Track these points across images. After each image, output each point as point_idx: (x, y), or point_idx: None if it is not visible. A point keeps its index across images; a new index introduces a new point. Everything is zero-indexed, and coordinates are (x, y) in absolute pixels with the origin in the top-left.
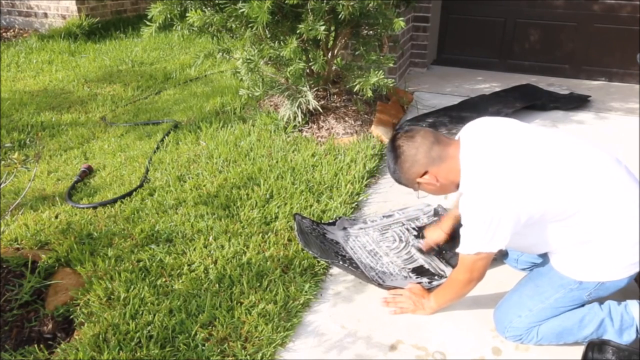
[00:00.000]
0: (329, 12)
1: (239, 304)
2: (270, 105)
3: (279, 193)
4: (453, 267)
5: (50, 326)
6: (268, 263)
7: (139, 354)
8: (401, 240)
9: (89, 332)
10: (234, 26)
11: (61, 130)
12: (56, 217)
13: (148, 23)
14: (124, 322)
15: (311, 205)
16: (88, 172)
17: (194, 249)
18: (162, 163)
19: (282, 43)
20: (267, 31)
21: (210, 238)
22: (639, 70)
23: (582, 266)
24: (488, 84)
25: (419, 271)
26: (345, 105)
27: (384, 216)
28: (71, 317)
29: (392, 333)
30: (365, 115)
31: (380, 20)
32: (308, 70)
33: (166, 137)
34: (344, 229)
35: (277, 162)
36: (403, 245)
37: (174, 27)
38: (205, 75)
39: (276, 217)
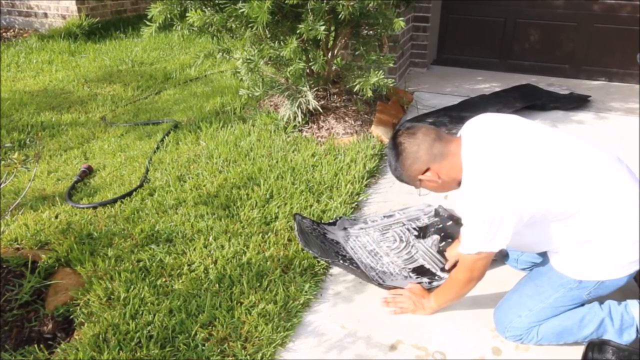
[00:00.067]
0: (329, 12)
1: (239, 304)
2: (270, 105)
3: (279, 193)
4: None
5: (50, 326)
6: (268, 263)
7: (139, 354)
8: (402, 241)
9: (89, 332)
10: (234, 26)
11: (61, 130)
12: (56, 217)
13: (148, 23)
14: (124, 322)
15: (311, 205)
16: (88, 172)
17: (194, 249)
18: (162, 163)
19: (282, 43)
20: (267, 31)
21: (210, 238)
22: (639, 70)
23: (582, 265)
24: (488, 84)
25: (419, 271)
26: (345, 105)
27: (384, 216)
28: (71, 317)
29: (392, 333)
30: (365, 115)
31: (380, 20)
32: (308, 70)
33: (166, 137)
34: (345, 229)
35: (277, 162)
36: (403, 245)
37: (174, 27)
38: (205, 75)
39: (276, 217)
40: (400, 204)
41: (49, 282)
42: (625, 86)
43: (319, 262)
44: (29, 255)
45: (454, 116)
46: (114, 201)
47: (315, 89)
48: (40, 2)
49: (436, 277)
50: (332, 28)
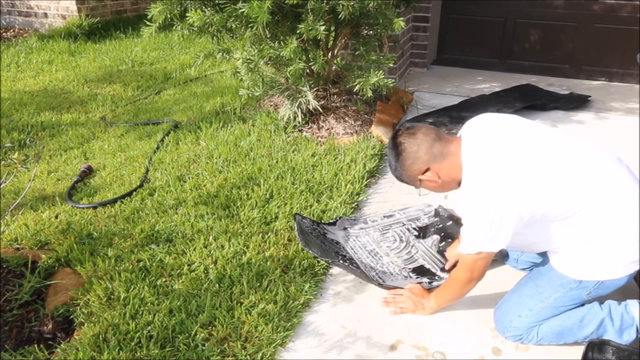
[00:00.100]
0: (329, 12)
1: (239, 304)
2: (270, 105)
3: (279, 193)
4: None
5: (50, 326)
6: (268, 263)
7: (139, 354)
8: (402, 241)
9: (89, 332)
10: (234, 26)
11: (61, 130)
12: (56, 217)
13: (148, 23)
14: (124, 322)
15: (311, 205)
16: (88, 172)
17: (194, 249)
18: (162, 163)
19: (282, 43)
20: (267, 31)
21: (210, 238)
22: (639, 70)
23: (582, 265)
24: (488, 84)
25: (419, 271)
26: (345, 105)
27: (384, 216)
28: (71, 317)
29: (392, 333)
30: (365, 115)
31: (380, 20)
32: (308, 70)
33: (166, 137)
34: (345, 229)
35: (277, 162)
36: (403, 245)
37: (174, 27)
38: (205, 75)
39: (276, 217)
40: (400, 204)
41: (49, 282)
42: (625, 86)
43: (319, 262)
44: (29, 255)
45: (454, 116)
46: (114, 201)
47: (315, 89)
48: (40, 2)
49: (436, 277)
50: (332, 28)
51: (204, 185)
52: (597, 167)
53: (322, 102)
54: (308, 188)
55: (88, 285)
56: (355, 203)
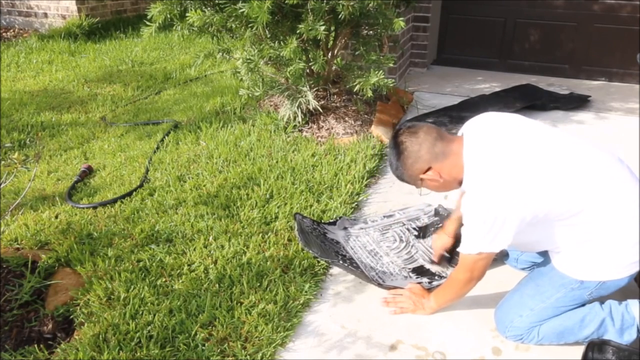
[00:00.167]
0: (329, 12)
1: (239, 304)
2: (270, 105)
3: (279, 193)
4: (454, 267)
5: (50, 326)
6: (268, 263)
7: (139, 354)
8: (402, 240)
9: (89, 332)
10: (234, 26)
11: (61, 130)
12: (56, 217)
13: (148, 23)
14: (124, 322)
15: (311, 205)
16: (88, 172)
17: (194, 249)
18: (162, 163)
19: (282, 43)
20: (267, 31)
21: (210, 238)
22: (639, 70)
23: (583, 265)
24: (488, 84)
25: (419, 271)
26: (345, 105)
27: (384, 216)
28: (71, 317)
29: (392, 333)
30: (365, 115)
31: (380, 20)
32: (308, 70)
33: (166, 137)
34: (345, 228)
35: (277, 162)
36: (403, 245)
37: (174, 27)
38: (205, 75)
39: (276, 217)
40: (400, 204)
41: (49, 282)
42: (625, 86)
43: (319, 262)
44: (29, 255)
45: (454, 116)
46: (114, 201)
47: (315, 89)
48: (40, 2)
49: (436, 277)
50: (332, 28)
51: (204, 185)
52: (599, 167)
53: (322, 102)
54: (308, 188)
55: (88, 285)
56: (355, 203)
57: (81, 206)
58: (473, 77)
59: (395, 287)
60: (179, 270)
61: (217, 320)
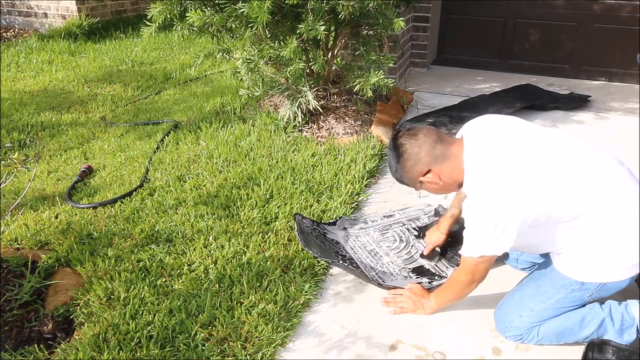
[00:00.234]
0: (329, 12)
1: (239, 304)
2: (270, 105)
3: (279, 193)
4: (454, 266)
5: (50, 326)
6: (268, 263)
7: (139, 354)
8: (402, 240)
9: (89, 332)
10: (234, 26)
11: (61, 130)
12: (56, 217)
13: (148, 23)
14: (124, 322)
15: (311, 205)
16: (88, 172)
17: (194, 249)
18: (162, 163)
19: (282, 43)
20: (267, 31)
21: (210, 238)
22: (639, 70)
23: (584, 267)
24: (488, 84)
25: (419, 271)
26: (345, 105)
27: (384, 216)
28: (71, 317)
29: (392, 333)
30: (365, 115)
31: (380, 20)
32: (308, 70)
33: (166, 137)
34: (345, 229)
35: (277, 162)
36: (403, 245)
37: (174, 27)
38: (205, 75)
39: (276, 217)
40: (400, 204)
41: (49, 282)
42: (625, 86)
43: (319, 262)
44: (29, 255)
45: (454, 116)
46: (114, 201)
47: (315, 89)
48: (40, 2)
49: (436, 277)
50: (332, 28)
51: (204, 185)
52: (599, 169)
53: (322, 102)
54: (308, 188)
55: (88, 285)
56: (355, 203)
57: (81, 206)
58: (473, 77)
59: (395, 287)
60: (179, 270)
61: (217, 320)
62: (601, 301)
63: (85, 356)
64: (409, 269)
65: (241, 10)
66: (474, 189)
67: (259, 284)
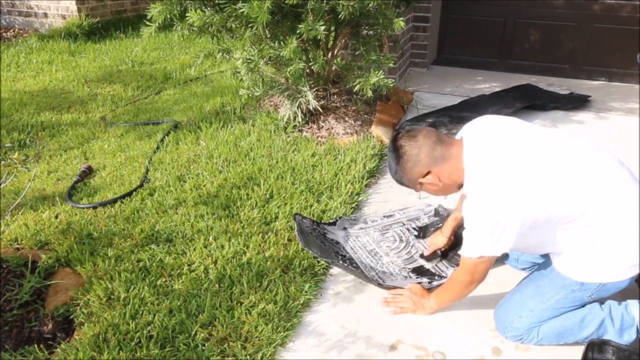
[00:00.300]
0: (329, 12)
1: (239, 304)
2: (270, 105)
3: (279, 193)
4: (454, 266)
5: (50, 326)
6: (268, 263)
7: (139, 354)
8: (401, 240)
9: (89, 332)
10: (234, 26)
11: (61, 130)
12: (56, 217)
13: (148, 23)
14: (124, 322)
15: (311, 205)
16: (88, 172)
17: (194, 249)
18: (162, 163)
19: (282, 43)
20: (267, 31)
21: (210, 238)
22: (639, 70)
23: (584, 267)
24: (488, 84)
25: (419, 271)
26: (345, 105)
27: (384, 216)
28: (71, 317)
29: (392, 333)
30: (365, 115)
31: (380, 20)
32: (308, 70)
33: (166, 137)
34: (345, 229)
35: (277, 162)
36: (403, 245)
37: (174, 27)
38: (205, 75)
39: (276, 217)
40: (400, 204)
41: (49, 282)
42: (625, 86)
43: (319, 262)
44: (29, 255)
45: (454, 116)
46: (114, 201)
47: (315, 89)
48: (40, 2)
49: (436, 277)
50: (332, 28)
51: (204, 185)
52: (599, 170)
53: (322, 102)
54: (308, 188)
55: (88, 285)
56: (355, 203)
57: (81, 206)
58: (473, 77)
59: (395, 287)
60: (179, 270)
61: (217, 320)
62: (601, 301)
63: (85, 356)
64: (409, 269)
65: (241, 10)
66: (473, 189)
67: (259, 284)
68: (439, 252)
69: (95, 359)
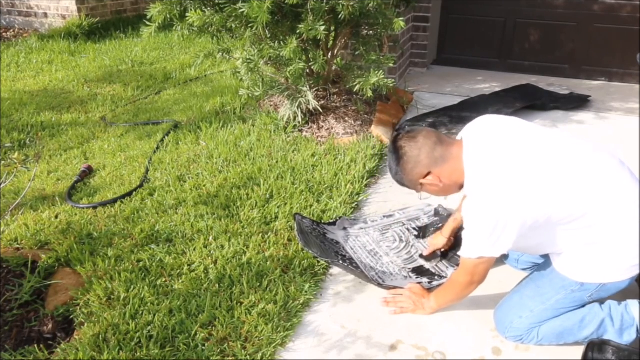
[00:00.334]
0: (329, 12)
1: (239, 304)
2: (270, 105)
3: (279, 193)
4: (454, 266)
5: (50, 326)
6: (268, 263)
7: (139, 354)
8: (401, 240)
9: (89, 332)
10: (234, 26)
11: (61, 130)
12: (56, 217)
13: (148, 23)
14: (124, 322)
15: (311, 205)
16: (88, 172)
17: (194, 249)
18: (162, 163)
19: (282, 43)
20: (267, 31)
21: (210, 238)
22: (639, 70)
23: (584, 268)
24: (488, 84)
25: (419, 271)
26: (345, 105)
27: (384, 216)
28: (71, 317)
29: (392, 333)
30: (365, 115)
31: (380, 20)
32: (308, 70)
33: (166, 137)
34: (344, 229)
35: (277, 162)
36: (403, 245)
37: (174, 27)
38: (205, 75)
39: (276, 217)
40: (400, 204)
41: (49, 282)
42: (625, 86)
43: (319, 262)
44: (29, 255)
45: (454, 116)
46: (114, 201)
47: (315, 89)
48: (40, 2)
49: (436, 277)
50: (332, 28)
51: (204, 185)
52: (599, 170)
53: (322, 102)
54: (308, 188)
55: (88, 285)
56: (355, 203)
57: (81, 206)
58: (473, 77)
59: (395, 287)
60: (179, 270)
61: (217, 320)
62: (601, 301)
63: (85, 356)
64: (409, 269)
65: (241, 10)
66: (473, 190)
67: (259, 284)
68: (438, 252)
69: (95, 359)
